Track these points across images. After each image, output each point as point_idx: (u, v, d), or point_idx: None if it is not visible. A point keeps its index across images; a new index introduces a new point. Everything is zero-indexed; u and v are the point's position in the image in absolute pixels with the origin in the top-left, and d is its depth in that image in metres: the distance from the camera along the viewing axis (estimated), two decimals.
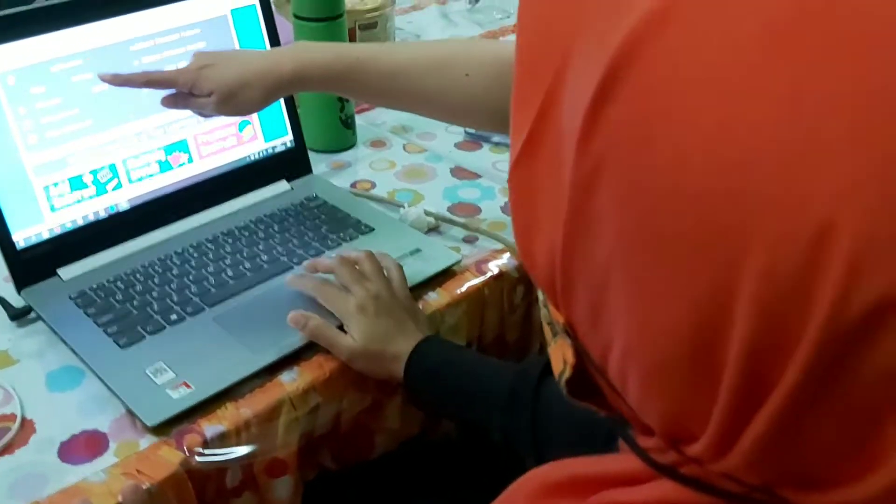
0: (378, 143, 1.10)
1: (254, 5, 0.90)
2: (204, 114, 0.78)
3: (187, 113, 0.87)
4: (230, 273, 0.81)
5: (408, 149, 1.09)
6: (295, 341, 0.73)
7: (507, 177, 0.34)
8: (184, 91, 0.75)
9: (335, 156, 1.06)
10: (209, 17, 0.87)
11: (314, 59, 0.76)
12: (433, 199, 0.97)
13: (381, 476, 0.81)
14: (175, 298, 0.77)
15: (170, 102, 0.77)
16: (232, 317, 0.76)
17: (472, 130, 1.12)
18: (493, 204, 0.97)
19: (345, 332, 0.72)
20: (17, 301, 0.78)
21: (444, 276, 0.84)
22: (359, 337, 0.71)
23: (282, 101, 0.95)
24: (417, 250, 0.85)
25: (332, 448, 0.77)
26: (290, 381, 0.71)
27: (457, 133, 1.13)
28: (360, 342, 0.71)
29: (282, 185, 0.95)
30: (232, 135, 0.91)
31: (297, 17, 1.00)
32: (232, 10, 0.89)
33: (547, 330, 0.36)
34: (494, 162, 1.06)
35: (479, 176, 1.02)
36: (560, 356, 0.35)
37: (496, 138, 1.10)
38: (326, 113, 1.04)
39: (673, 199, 0.26)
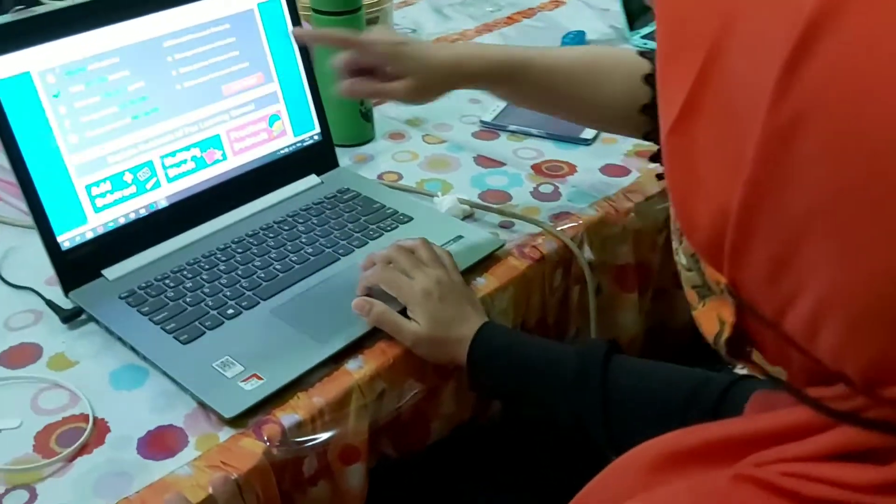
0: (396, 136, 1.10)
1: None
2: (385, 98, 0.78)
3: (220, 108, 0.86)
4: (279, 266, 0.81)
5: (427, 140, 1.09)
6: (358, 329, 0.73)
7: (662, 143, 0.35)
8: (370, 63, 0.76)
9: (356, 149, 1.07)
10: (237, 11, 0.87)
11: (491, 58, 0.79)
12: (462, 187, 0.98)
13: (441, 462, 0.81)
14: (228, 293, 0.77)
15: (353, 90, 0.78)
16: (289, 308, 0.76)
17: (487, 119, 1.13)
18: (522, 190, 0.98)
19: (407, 317, 0.73)
20: (64, 303, 0.77)
21: (489, 261, 0.85)
22: (424, 322, 0.71)
23: (308, 94, 0.95)
24: (460, 237, 0.86)
25: (392, 435, 0.78)
26: (357, 368, 0.71)
27: (472, 123, 1.14)
28: (425, 327, 0.71)
29: (312, 179, 0.95)
30: (263, 129, 0.91)
31: (315, 10, 1.00)
32: (259, 4, 0.88)
33: (692, 294, 0.37)
34: (515, 149, 1.07)
35: (504, 164, 1.03)
36: (714, 317, 0.35)
37: (512, 127, 1.11)
38: (347, 106, 1.04)
39: None
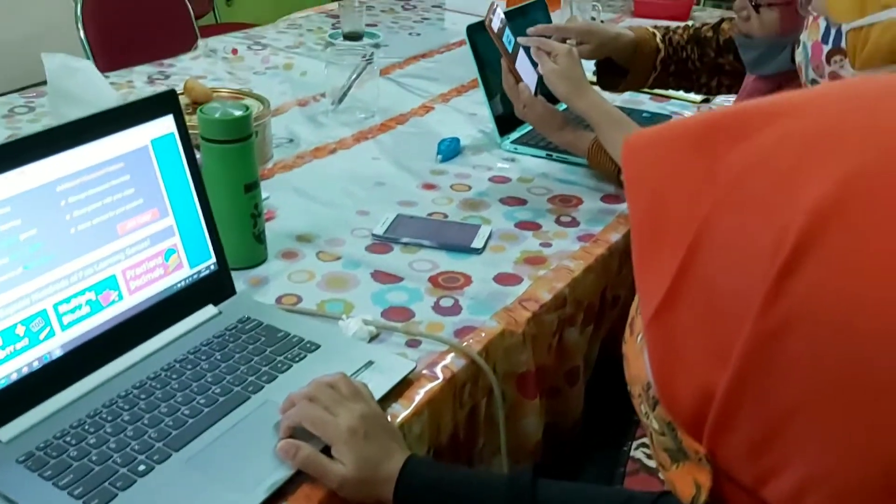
0: (290, 255, 1.10)
1: (172, 133, 0.89)
2: None
3: (115, 248, 0.84)
4: (187, 411, 0.78)
5: (321, 257, 1.10)
6: (280, 475, 0.71)
7: (644, 326, 0.38)
8: None
9: (250, 272, 1.05)
10: (131, 149, 0.85)
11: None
12: (363, 306, 0.99)
13: None
14: (136, 447, 0.74)
15: None
16: (204, 458, 0.73)
17: (378, 232, 1.15)
18: (423, 305, 1.00)
19: (330, 456, 0.72)
20: None
21: (401, 384, 0.85)
22: (350, 463, 0.71)
23: (203, 223, 0.93)
24: (370, 363, 0.86)
25: None
26: None
27: (364, 236, 1.15)
28: (351, 468, 0.71)
29: (209, 310, 0.93)
30: (159, 265, 0.89)
31: (206, 139, 1.00)
32: (152, 140, 0.87)
33: (663, 456, 0.40)
34: (410, 262, 1.09)
35: (402, 278, 1.05)
36: (690, 481, 0.38)
37: (404, 239, 1.14)
38: (239, 229, 1.03)
39: (886, 353, 0.30)
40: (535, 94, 1.32)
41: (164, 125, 0.88)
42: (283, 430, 0.74)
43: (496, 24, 1.29)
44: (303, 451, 0.71)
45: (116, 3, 2.59)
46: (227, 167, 1.00)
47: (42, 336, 0.78)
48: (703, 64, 1.47)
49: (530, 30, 1.36)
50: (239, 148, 1.00)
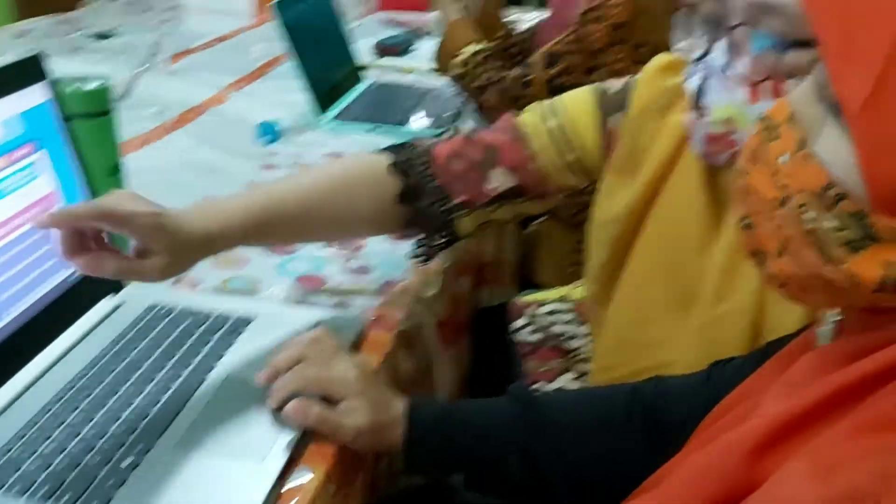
0: None
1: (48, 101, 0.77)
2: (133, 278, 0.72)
3: None
4: (145, 401, 0.68)
5: None
6: (289, 435, 0.66)
7: (853, 118, 0.42)
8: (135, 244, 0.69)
9: None
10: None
11: (246, 217, 0.76)
12: (270, 279, 0.93)
13: None
14: (107, 445, 0.63)
15: (98, 268, 0.68)
16: (194, 438, 0.65)
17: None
18: (333, 270, 0.96)
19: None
20: None
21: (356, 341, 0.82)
22: (365, 411, 0.67)
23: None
24: (318, 323, 0.81)
25: None
26: (309, 479, 0.64)
27: None
28: (366, 417, 0.67)
29: (109, 302, 0.82)
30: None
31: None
32: (22, 114, 0.75)
33: (839, 252, 0.43)
34: None
35: (296, 248, 1.00)
36: (876, 264, 0.42)
37: None
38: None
39: None
40: None
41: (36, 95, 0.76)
42: (277, 400, 0.67)
43: None
44: (314, 408, 0.66)
45: None
46: (94, 145, 0.88)
47: None
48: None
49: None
50: (100, 123, 0.89)
